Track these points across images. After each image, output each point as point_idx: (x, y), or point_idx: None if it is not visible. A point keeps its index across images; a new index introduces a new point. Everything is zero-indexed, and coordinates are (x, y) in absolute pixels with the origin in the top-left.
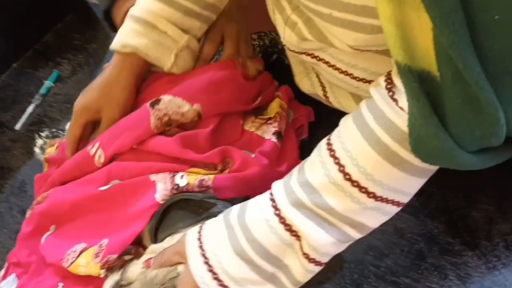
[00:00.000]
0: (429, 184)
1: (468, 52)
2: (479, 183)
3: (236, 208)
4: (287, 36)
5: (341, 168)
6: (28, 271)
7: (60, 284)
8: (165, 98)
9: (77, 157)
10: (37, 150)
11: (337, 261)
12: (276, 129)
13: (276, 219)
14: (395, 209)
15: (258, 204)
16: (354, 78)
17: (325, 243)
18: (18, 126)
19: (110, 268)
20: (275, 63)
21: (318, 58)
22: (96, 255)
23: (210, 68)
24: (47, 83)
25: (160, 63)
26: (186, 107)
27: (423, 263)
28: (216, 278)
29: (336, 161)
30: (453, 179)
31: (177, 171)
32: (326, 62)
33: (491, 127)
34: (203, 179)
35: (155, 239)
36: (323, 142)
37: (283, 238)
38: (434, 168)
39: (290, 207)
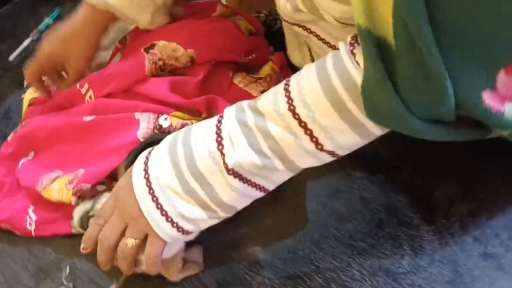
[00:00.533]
0: (399, 160)
1: (422, 18)
2: (446, 165)
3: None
4: (282, 6)
5: (291, 108)
6: (1, 190)
7: (31, 207)
8: (160, 43)
9: (68, 92)
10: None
11: (300, 219)
12: (265, 88)
13: (214, 129)
14: (329, 159)
15: (209, 119)
16: None
17: (251, 161)
18: (11, 57)
19: (81, 196)
20: (277, 31)
21: (309, 31)
22: (70, 182)
23: (203, 20)
24: (47, 20)
25: (136, 22)
26: (180, 51)
27: (381, 231)
28: (147, 179)
29: (289, 101)
30: (422, 158)
31: (162, 113)
32: (317, 35)
33: (438, 95)
34: (186, 123)
35: None
36: (282, 82)
37: (211, 150)
38: (376, 132)
39: (233, 120)
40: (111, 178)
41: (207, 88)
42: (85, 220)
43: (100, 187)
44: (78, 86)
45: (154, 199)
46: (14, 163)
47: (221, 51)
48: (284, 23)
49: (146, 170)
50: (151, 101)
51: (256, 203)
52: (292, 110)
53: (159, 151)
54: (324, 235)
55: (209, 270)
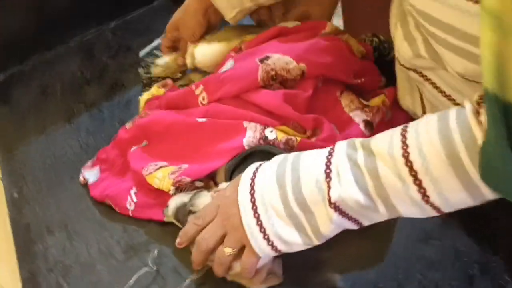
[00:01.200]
0: (501, 212)
1: None
2: None
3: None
4: (402, 50)
5: (405, 154)
6: (111, 169)
7: (134, 189)
8: (274, 56)
9: (183, 91)
10: (140, 70)
11: (386, 255)
12: (369, 119)
13: (324, 160)
14: (432, 214)
15: (321, 150)
16: (456, 104)
17: (355, 199)
18: (141, 53)
19: (180, 188)
20: (388, 62)
21: (425, 78)
22: (173, 173)
23: (316, 38)
24: None
25: (222, 12)
26: (292, 64)
27: None
28: (252, 195)
29: (404, 146)
30: None
31: (268, 125)
32: (433, 83)
33: None
34: (291, 139)
35: (229, 179)
36: (399, 127)
37: (319, 179)
38: (488, 195)
39: (344, 155)
40: (210, 178)
41: (313, 104)
42: (180, 212)
43: (198, 183)
44: (193, 87)
45: (256, 215)
46: (127, 148)
47: (331, 68)
48: (398, 66)
49: (252, 186)
50: (260, 111)
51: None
52: (406, 156)
53: (267, 170)
54: (409, 278)
55: (287, 286)
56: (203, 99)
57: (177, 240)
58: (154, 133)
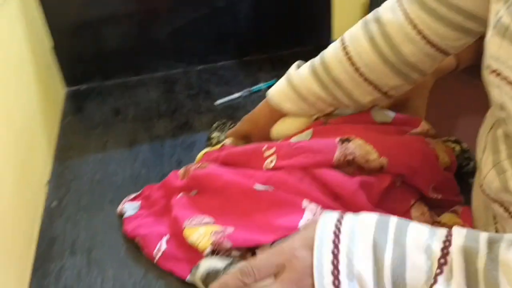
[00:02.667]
0: None
1: None
2: None
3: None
4: (488, 179)
5: None
6: (151, 208)
7: (167, 236)
8: (357, 140)
9: (249, 148)
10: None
11: None
12: None
13: (440, 244)
14: None
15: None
16: None
17: None
18: (217, 102)
19: (215, 251)
20: (466, 173)
21: (511, 215)
22: (216, 234)
23: (406, 136)
24: (261, 85)
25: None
26: (374, 155)
27: None
28: (335, 268)
29: None
30: None
31: (329, 209)
32: None
33: None
34: None
35: None
36: None
37: (428, 267)
38: None
39: (460, 249)
40: (249, 249)
41: (384, 200)
42: (211, 277)
43: (235, 253)
44: (265, 147)
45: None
46: (174, 193)
47: (414, 175)
48: (477, 192)
49: (335, 265)
50: (326, 192)
51: None
52: None
53: (359, 231)
54: None
55: None
56: (271, 162)
57: None
58: (208, 187)
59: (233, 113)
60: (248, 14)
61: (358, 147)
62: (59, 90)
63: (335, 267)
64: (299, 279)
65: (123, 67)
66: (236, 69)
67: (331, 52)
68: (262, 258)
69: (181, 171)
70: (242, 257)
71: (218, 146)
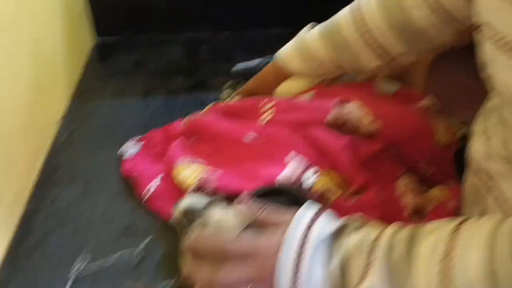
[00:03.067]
0: None
1: None
2: None
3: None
4: (475, 148)
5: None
6: (151, 150)
7: (161, 174)
8: (355, 102)
9: (249, 101)
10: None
11: None
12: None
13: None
14: None
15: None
16: None
17: None
18: (235, 67)
19: (200, 189)
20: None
21: (493, 186)
22: (205, 172)
23: (408, 108)
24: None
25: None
26: (368, 119)
27: None
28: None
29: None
30: None
31: (315, 164)
32: (497, 197)
33: None
34: (325, 195)
35: None
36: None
37: None
38: None
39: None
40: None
41: (372, 168)
42: (190, 214)
43: (220, 195)
44: (263, 101)
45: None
46: (175, 137)
47: (405, 146)
48: (467, 171)
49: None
50: (315, 146)
51: None
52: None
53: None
54: None
55: None
56: (269, 114)
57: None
58: (203, 133)
59: (249, 79)
60: None
61: (355, 109)
62: (89, 38)
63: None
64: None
65: (152, 23)
66: (262, 38)
67: (346, 12)
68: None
69: (185, 119)
70: (226, 199)
71: (228, 100)
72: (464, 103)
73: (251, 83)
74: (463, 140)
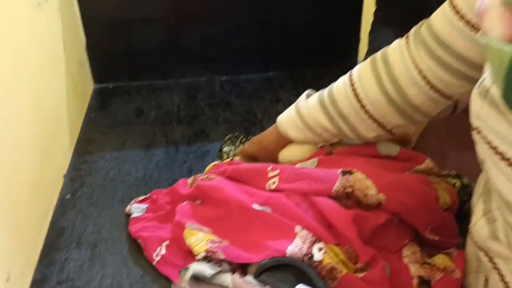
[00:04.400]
0: None
1: None
2: None
3: None
4: (478, 227)
5: None
6: (157, 212)
7: (168, 242)
8: (358, 174)
9: (255, 167)
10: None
11: None
12: (425, 276)
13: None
14: None
15: None
16: None
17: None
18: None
19: (208, 259)
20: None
21: (495, 266)
22: (212, 242)
23: (409, 175)
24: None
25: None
26: (372, 191)
27: None
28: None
29: None
30: None
31: (321, 239)
32: (501, 275)
33: None
34: (335, 269)
35: (257, 276)
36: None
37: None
38: None
39: None
40: (241, 264)
41: (377, 235)
42: (197, 281)
43: (226, 266)
44: (270, 167)
45: None
46: (180, 200)
47: (411, 214)
48: (469, 242)
49: None
50: (321, 220)
51: None
52: None
53: None
54: None
55: None
56: (273, 183)
57: None
58: (211, 198)
59: (249, 127)
60: (276, 30)
61: (359, 181)
62: (88, 86)
63: None
64: None
65: (151, 69)
66: (259, 82)
67: (340, 86)
68: None
69: (190, 180)
70: (233, 269)
71: (228, 160)
72: (454, 154)
73: (252, 146)
74: (461, 199)
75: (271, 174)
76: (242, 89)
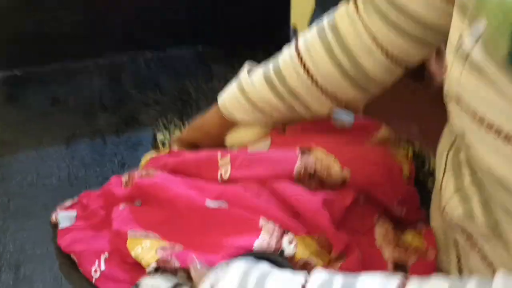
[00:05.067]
0: None
1: None
2: None
3: None
4: (451, 206)
5: None
6: (89, 220)
7: (106, 254)
8: (318, 150)
9: (201, 156)
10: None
11: None
12: (402, 261)
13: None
14: None
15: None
16: None
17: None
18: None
19: (160, 269)
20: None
21: (474, 245)
22: (163, 249)
23: (369, 147)
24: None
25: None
26: (336, 167)
27: None
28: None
29: None
30: None
31: (289, 230)
32: (483, 255)
33: None
34: (309, 264)
35: None
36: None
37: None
38: None
39: None
40: None
41: (347, 218)
42: None
43: (182, 273)
44: (219, 155)
45: None
46: (115, 203)
47: (377, 189)
48: (435, 212)
49: None
50: (284, 208)
51: None
52: None
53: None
54: None
55: None
56: (225, 172)
57: None
58: (154, 198)
59: (184, 108)
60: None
61: (320, 158)
62: None
63: None
64: None
65: (64, 51)
66: (188, 58)
67: (287, 59)
68: None
69: (125, 177)
70: (189, 279)
71: (165, 150)
72: (402, 117)
73: (192, 132)
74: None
75: (221, 162)
76: (170, 67)
